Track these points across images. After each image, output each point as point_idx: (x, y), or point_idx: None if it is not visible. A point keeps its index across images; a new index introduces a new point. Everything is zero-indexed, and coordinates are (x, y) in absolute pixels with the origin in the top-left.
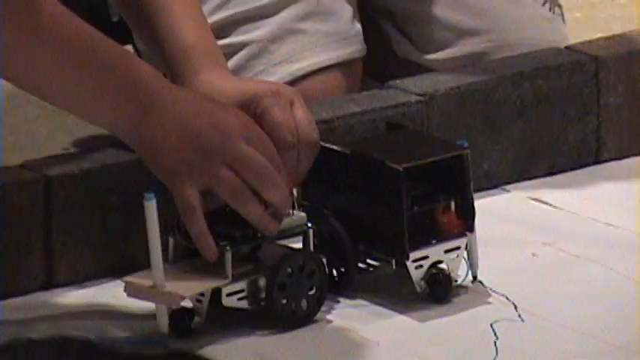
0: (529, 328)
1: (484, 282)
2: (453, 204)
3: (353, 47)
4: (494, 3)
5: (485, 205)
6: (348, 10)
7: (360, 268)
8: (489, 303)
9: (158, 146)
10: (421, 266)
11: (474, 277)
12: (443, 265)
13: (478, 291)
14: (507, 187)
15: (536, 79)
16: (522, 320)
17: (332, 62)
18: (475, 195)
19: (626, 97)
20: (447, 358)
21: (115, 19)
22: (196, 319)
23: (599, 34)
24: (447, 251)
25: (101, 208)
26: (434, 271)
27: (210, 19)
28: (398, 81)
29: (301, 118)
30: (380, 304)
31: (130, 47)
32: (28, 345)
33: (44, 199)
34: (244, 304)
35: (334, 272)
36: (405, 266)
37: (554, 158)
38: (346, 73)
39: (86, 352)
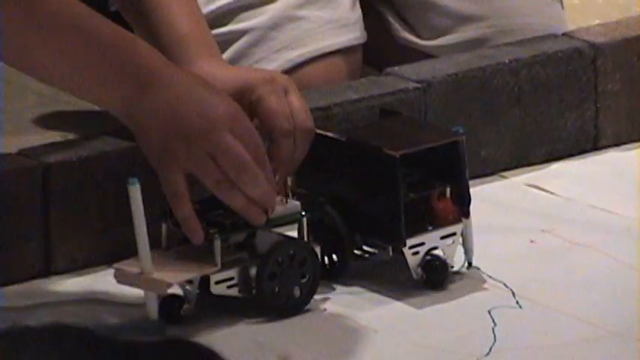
0: (527, 314)
1: (482, 269)
2: (448, 190)
3: (353, 34)
4: None
5: (482, 192)
6: None
7: (356, 255)
8: (486, 289)
9: (147, 129)
10: (417, 253)
11: (470, 264)
12: (439, 252)
13: (474, 277)
14: (505, 173)
15: (534, 66)
16: (520, 307)
17: (332, 49)
18: (473, 182)
19: (623, 83)
20: (445, 345)
21: (112, 9)
22: (186, 306)
23: (597, 21)
24: (442, 237)
25: (99, 196)
26: (430, 257)
27: (210, 7)
28: (396, 68)
29: (296, 106)
30: (376, 291)
31: None
32: (25, 332)
33: (42, 186)
34: (234, 291)
35: (330, 259)
36: (402, 253)
37: (552, 145)
38: (346, 60)
39: (84, 339)
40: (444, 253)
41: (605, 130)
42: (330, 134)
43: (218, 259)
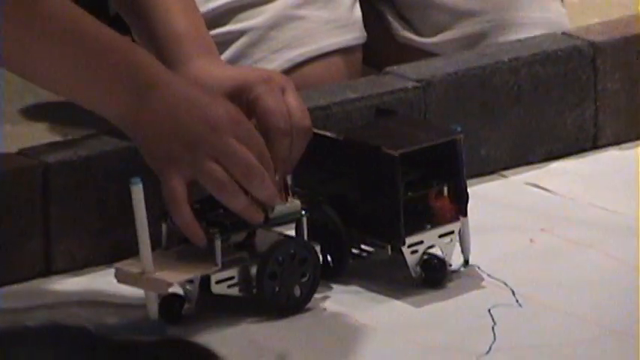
0: (527, 313)
1: (482, 267)
2: (445, 189)
3: (353, 34)
4: None
5: (482, 190)
6: None
7: (354, 254)
8: (486, 288)
9: (148, 135)
10: (416, 251)
11: (466, 262)
12: (437, 250)
13: (474, 276)
14: (505, 172)
15: (534, 64)
16: (520, 305)
17: (332, 49)
18: (472, 181)
19: (623, 82)
20: (445, 343)
21: (113, 14)
22: (186, 305)
23: (597, 20)
24: (441, 236)
25: (99, 195)
26: (429, 256)
27: (209, 7)
28: (395, 67)
29: (293, 105)
30: (375, 290)
31: None
32: (23, 332)
33: (42, 186)
34: (235, 291)
35: (328, 258)
36: (401, 252)
37: (552, 144)
38: (346, 60)
39: (81, 339)
40: (443, 252)
41: (604, 128)
42: (327, 134)
43: (219, 258)
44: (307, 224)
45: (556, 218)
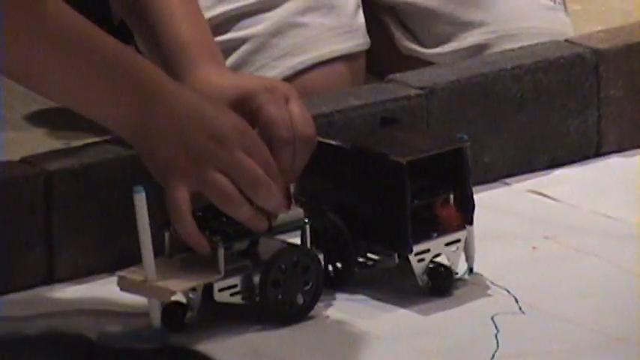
0: (530, 320)
1: (484, 275)
2: (452, 197)
3: (356, 40)
4: None
5: (485, 198)
6: (350, 3)
7: (360, 262)
8: (489, 296)
9: (154, 147)
10: (423, 260)
11: (471, 270)
12: (443, 259)
13: (477, 284)
14: (508, 180)
15: (537, 72)
16: (523, 313)
17: (334, 55)
18: (475, 188)
19: (626, 89)
20: (448, 351)
21: (116, 23)
22: (189, 313)
23: (599, 27)
24: (447, 244)
25: (101, 203)
26: (435, 264)
27: (211, 14)
28: (398, 74)
29: (297, 114)
30: (380, 299)
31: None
32: (21, 340)
33: (44, 193)
34: (238, 299)
35: (334, 267)
36: (408, 260)
37: (555, 151)
38: (349, 67)
39: (80, 347)
40: (449, 260)
41: (607, 136)
42: (333, 142)
43: (221, 267)
44: (311, 232)
45: (559, 226)
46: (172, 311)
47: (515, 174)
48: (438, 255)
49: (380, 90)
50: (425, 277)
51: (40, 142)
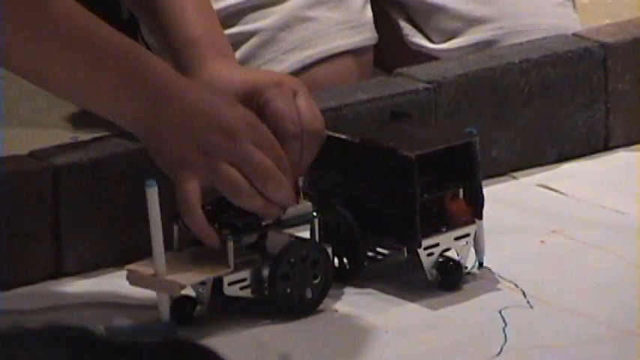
0: (538, 314)
1: (493, 269)
2: (461, 191)
3: (363, 35)
4: None
5: (493, 192)
6: None
7: (369, 256)
8: (497, 290)
9: (163, 141)
10: (432, 254)
11: (480, 264)
12: (453, 253)
13: (485, 278)
14: (515, 174)
15: (545, 66)
16: (531, 307)
17: (342, 50)
18: (483, 182)
19: (634, 83)
20: (456, 345)
21: (125, 17)
22: (199, 307)
23: (607, 21)
24: (456, 238)
25: (109, 197)
26: (444, 258)
27: (219, 7)
28: (405, 68)
29: (304, 109)
30: (389, 293)
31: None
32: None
33: (52, 188)
34: (247, 293)
35: (343, 261)
36: (417, 254)
37: (563, 145)
38: (357, 62)
39: (82, 341)
40: (458, 254)
41: (615, 130)
42: (343, 136)
43: (231, 260)
44: (320, 226)
45: (567, 219)
46: (181, 305)
47: (523, 168)
48: (447, 249)
49: (388, 84)
50: (434, 272)
51: (47, 136)
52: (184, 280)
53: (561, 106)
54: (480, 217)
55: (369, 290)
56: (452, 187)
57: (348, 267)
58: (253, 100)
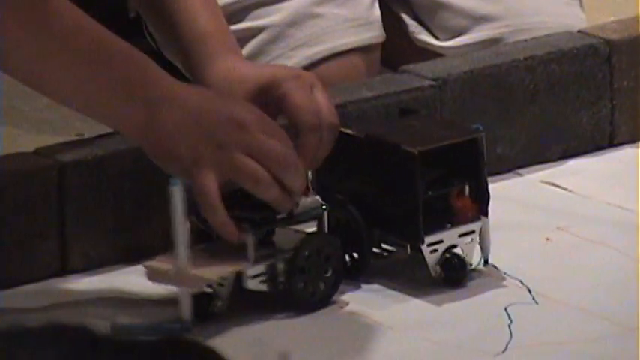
0: (543, 311)
1: (498, 266)
2: (467, 188)
3: (371, 33)
4: None
5: (498, 189)
6: None
7: (375, 252)
8: (502, 286)
9: (172, 140)
10: (436, 250)
11: (486, 261)
12: (458, 250)
13: (490, 274)
14: (520, 171)
15: (550, 63)
16: (536, 303)
17: (350, 47)
18: (488, 179)
19: (639, 80)
20: (460, 342)
21: (131, 16)
22: (219, 302)
23: (612, 18)
24: (461, 235)
25: (115, 194)
26: (449, 255)
27: (227, 2)
28: (411, 65)
29: (322, 102)
30: (394, 289)
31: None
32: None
33: (57, 185)
34: (264, 286)
35: (349, 257)
36: (420, 250)
37: (568, 142)
38: (365, 59)
39: (82, 339)
40: (463, 251)
41: (620, 127)
42: (348, 131)
43: (251, 254)
44: (328, 219)
45: (572, 216)
46: (198, 301)
47: (528, 165)
48: (453, 246)
49: (393, 81)
50: (438, 268)
51: (53, 133)
52: (209, 274)
53: (566, 103)
54: (486, 214)
55: (374, 286)
56: (457, 184)
57: (353, 263)
58: (270, 92)
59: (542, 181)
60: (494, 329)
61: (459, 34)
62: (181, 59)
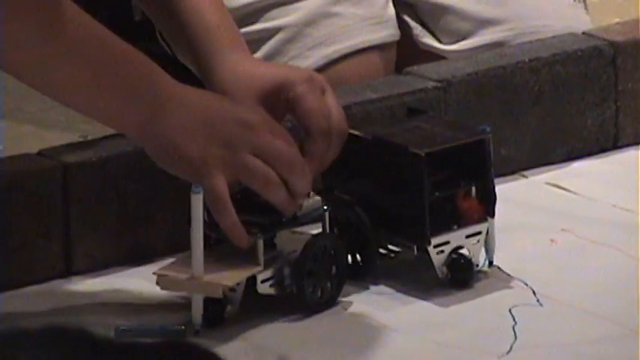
0: (548, 313)
1: (503, 267)
2: (473, 189)
3: (387, 31)
4: None
5: (503, 191)
6: None
7: (381, 253)
8: (509, 288)
9: (178, 139)
10: (442, 251)
11: (490, 263)
12: (464, 251)
13: (495, 276)
14: (525, 172)
15: (554, 65)
16: (541, 305)
17: (367, 45)
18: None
19: None
20: (465, 343)
21: (137, 19)
22: (229, 307)
23: (617, 20)
24: (468, 236)
25: (119, 196)
26: (455, 256)
27: (243, 2)
28: (415, 67)
29: (333, 106)
30: (400, 290)
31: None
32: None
33: (62, 186)
34: (272, 290)
35: (356, 258)
36: (427, 252)
37: (573, 144)
38: (381, 57)
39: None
40: (470, 252)
41: (625, 128)
42: (355, 133)
43: (261, 258)
44: (333, 223)
45: (577, 218)
46: (208, 307)
47: (533, 166)
48: (459, 247)
49: (397, 82)
50: (444, 269)
51: (57, 134)
52: (225, 280)
53: (571, 105)
54: (492, 215)
55: (380, 288)
56: (464, 185)
57: (360, 265)
58: (282, 94)
59: (546, 183)
60: (499, 331)
61: (463, 38)
62: (190, 59)
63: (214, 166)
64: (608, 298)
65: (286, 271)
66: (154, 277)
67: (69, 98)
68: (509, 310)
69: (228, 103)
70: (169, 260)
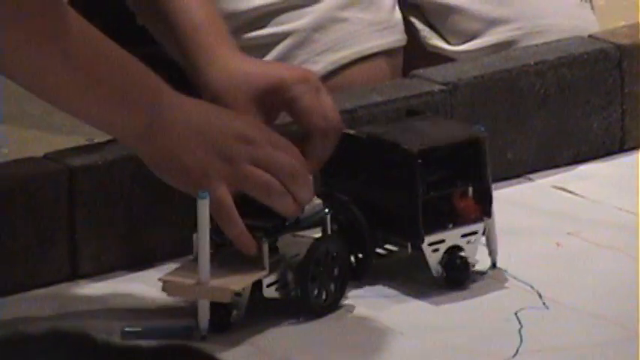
0: (554, 316)
1: (508, 270)
2: (470, 189)
3: (395, 36)
4: None
5: (509, 194)
6: (388, 0)
7: (378, 253)
8: (512, 290)
9: (178, 152)
10: (437, 250)
11: (494, 265)
12: (460, 250)
13: (500, 278)
14: (531, 176)
15: (560, 68)
16: (547, 308)
17: (375, 50)
18: (499, 184)
19: None
20: (471, 346)
21: (140, 23)
22: (235, 312)
23: (623, 23)
24: (463, 236)
25: (124, 199)
26: (451, 255)
27: (250, 7)
28: (421, 70)
29: (328, 105)
30: (404, 292)
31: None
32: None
33: (68, 190)
34: (277, 294)
35: (352, 258)
36: (421, 250)
37: (579, 147)
38: (389, 62)
39: (82, 345)
40: (466, 252)
41: (631, 131)
42: (350, 131)
43: (266, 262)
44: (331, 222)
45: (583, 221)
46: (214, 312)
47: (539, 170)
48: (455, 247)
49: (403, 86)
50: (440, 268)
51: (62, 138)
52: (232, 285)
53: (577, 108)
54: (489, 216)
55: (378, 289)
56: (461, 185)
57: (357, 264)
58: (278, 94)
59: (552, 186)
60: (505, 334)
61: (471, 38)
62: (181, 61)
63: (216, 178)
64: (614, 302)
65: (289, 275)
66: (160, 282)
67: (65, 104)
68: (515, 314)
69: (227, 116)
70: (175, 264)
